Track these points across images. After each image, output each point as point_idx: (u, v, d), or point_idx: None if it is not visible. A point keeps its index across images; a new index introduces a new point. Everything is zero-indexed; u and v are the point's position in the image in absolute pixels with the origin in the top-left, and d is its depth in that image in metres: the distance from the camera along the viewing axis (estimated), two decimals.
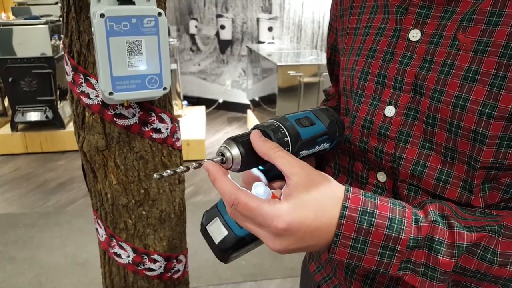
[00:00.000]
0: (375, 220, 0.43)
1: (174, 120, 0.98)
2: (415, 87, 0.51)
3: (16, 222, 2.67)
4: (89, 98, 0.87)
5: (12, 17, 4.01)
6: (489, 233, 0.44)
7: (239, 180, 0.57)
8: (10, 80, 3.43)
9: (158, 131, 0.94)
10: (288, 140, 0.48)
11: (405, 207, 0.45)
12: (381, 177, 0.57)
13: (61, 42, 1.22)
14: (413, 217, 0.44)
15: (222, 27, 4.70)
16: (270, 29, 4.50)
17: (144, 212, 0.99)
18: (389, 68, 0.54)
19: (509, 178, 0.48)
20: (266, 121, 0.50)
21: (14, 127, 3.65)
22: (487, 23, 0.45)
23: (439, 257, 0.43)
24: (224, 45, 4.79)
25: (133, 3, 0.78)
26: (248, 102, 4.40)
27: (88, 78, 0.86)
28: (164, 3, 0.88)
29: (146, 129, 0.92)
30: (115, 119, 0.89)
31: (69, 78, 0.90)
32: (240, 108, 4.85)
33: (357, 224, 0.43)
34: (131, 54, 0.78)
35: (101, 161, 0.93)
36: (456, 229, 0.44)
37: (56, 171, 3.43)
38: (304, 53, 3.90)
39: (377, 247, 0.43)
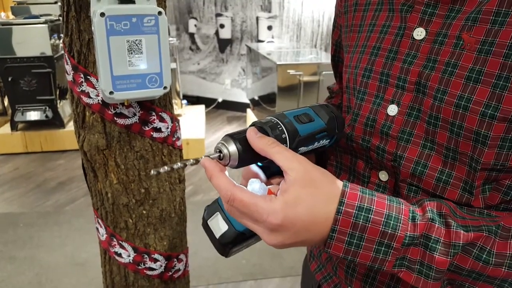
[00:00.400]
0: (372, 216, 0.43)
1: (175, 119, 0.98)
2: (418, 86, 0.51)
3: (15, 221, 2.67)
4: (90, 97, 0.87)
5: (11, 16, 4.01)
6: (486, 233, 0.44)
7: (239, 178, 0.57)
8: (9, 79, 3.43)
9: (158, 130, 0.94)
10: (286, 137, 0.48)
11: (402, 204, 0.45)
12: (383, 176, 0.57)
13: (61, 41, 1.22)
14: (410, 214, 0.44)
15: (222, 26, 4.70)
16: (269, 28, 4.50)
17: (144, 212, 0.99)
18: (393, 67, 0.54)
19: (510, 180, 0.48)
20: (264, 118, 0.50)
21: (14, 127, 3.65)
22: (493, 23, 0.45)
23: (434, 255, 0.43)
24: (224, 44, 4.78)
25: (133, 2, 0.77)
26: (248, 101, 4.39)
27: (89, 77, 0.86)
28: (164, 2, 0.88)
29: (147, 128, 0.92)
30: (115, 118, 0.88)
31: (69, 78, 0.90)
32: (239, 107, 4.85)
33: (353, 219, 0.43)
34: (132, 53, 0.78)
35: (101, 161, 0.93)
36: (453, 228, 0.44)
37: (56, 170, 3.43)
38: (303, 52, 3.90)
39: (372, 243, 0.43)
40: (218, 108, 4.99)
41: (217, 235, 0.54)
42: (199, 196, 2.99)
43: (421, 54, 0.51)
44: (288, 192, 0.42)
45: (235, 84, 4.90)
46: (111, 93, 0.78)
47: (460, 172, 0.50)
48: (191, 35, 4.89)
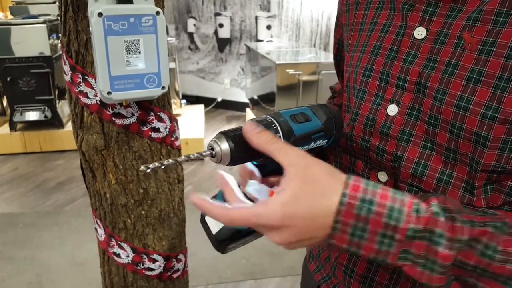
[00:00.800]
0: (374, 208, 0.42)
1: (173, 119, 0.98)
2: (418, 86, 0.51)
3: (15, 221, 2.67)
4: (88, 97, 0.87)
5: (10, 16, 4.01)
6: (491, 229, 0.44)
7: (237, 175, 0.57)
8: (8, 79, 3.42)
9: (157, 130, 0.94)
10: (280, 136, 0.48)
11: (407, 196, 0.44)
12: (382, 177, 0.57)
13: (59, 41, 1.21)
14: (414, 206, 0.43)
15: (221, 25, 4.70)
16: (268, 27, 4.50)
17: (143, 212, 0.99)
18: (393, 66, 0.54)
19: None
20: (260, 117, 0.50)
21: (12, 127, 3.65)
22: (494, 23, 0.44)
23: (438, 249, 0.43)
24: (223, 44, 4.78)
25: (131, 2, 0.77)
26: (247, 101, 4.39)
27: (87, 77, 0.86)
28: (162, 2, 0.88)
29: (145, 128, 0.92)
30: (113, 118, 0.88)
31: (67, 78, 0.90)
32: (239, 106, 4.85)
33: (356, 211, 0.42)
34: (129, 53, 0.77)
35: (99, 161, 0.93)
36: (458, 223, 0.43)
37: (55, 170, 3.42)
38: (302, 51, 3.89)
39: (376, 235, 0.43)
40: (217, 107, 4.99)
41: (214, 232, 0.55)
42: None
43: (422, 54, 0.51)
44: (285, 191, 0.42)
45: (234, 83, 4.90)
46: (109, 93, 0.78)
47: (461, 173, 0.49)
48: (190, 35, 4.88)
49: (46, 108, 3.61)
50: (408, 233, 0.43)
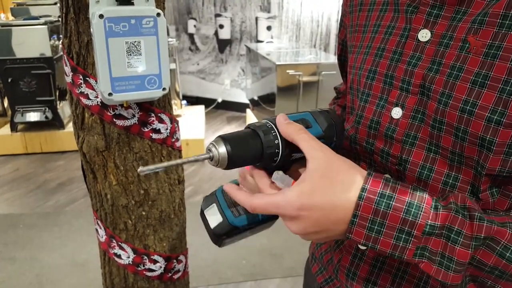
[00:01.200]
0: (393, 203, 0.43)
1: (174, 120, 0.98)
2: (423, 89, 0.50)
3: (16, 222, 2.67)
4: (89, 99, 0.87)
5: (11, 17, 4.01)
6: (510, 230, 0.43)
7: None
8: (9, 80, 3.42)
9: (157, 131, 0.94)
10: (278, 143, 0.48)
11: (426, 193, 0.45)
12: None
13: (60, 43, 1.22)
14: (433, 203, 0.44)
15: (221, 26, 4.70)
16: (269, 28, 4.50)
17: (144, 213, 1.00)
18: (397, 69, 0.53)
19: None
20: (260, 121, 0.50)
21: (13, 128, 3.65)
22: (500, 26, 0.44)
23: (456, 247, 0.43)
24: (223, 45, 4.78)
25: (132, 4, 0.77)
26: (247, 102, 4.39)
27: (88, 79, 0.86)
28: (163, 3, 0.88)
29: (146, 129, 0.92)
30: (114, 119, 0.89)
31: (68, 79, 0.90)
32: (239, 107, 4.85)
33: (374, 206, 0.43)
34: (130, 54, 0.78)
35: (100, 162, 0.94)
36: (476, 221, 0.43)
37: (56, 171, 3.43)
38: (303, 52, 3.90)
39: (393, 230, 0.43)
40: (217, 108, 4.99)
41: (212, 226, 0.56)
42: (199, 197, 2.99)
43: (426, 57, 0.50)
44: (305, 182, 0.44)
45: (235, 84, 4.90)
46: (110, 94, 0.78)
47: (467, 175, 0.49)
48: (191, 36, 4.89)
49: (47, 109, 3.61)
50: (426, 229, 0.43)
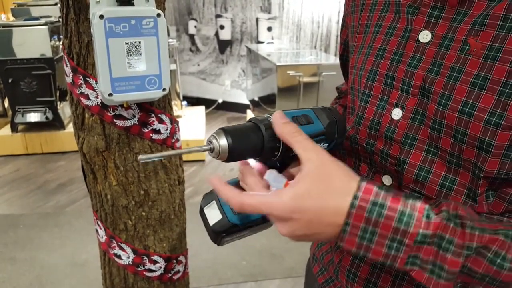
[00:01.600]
0: (385, 211, 0.42)
1: (174, 121, 0.98)
2: (423, 91, 0.50)
3: (16, 223, 2.67)
4: (89, 99, 0.87)
5: (11, 18, 4.01)
6: (502, 237, 0.43)
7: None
8: (10, 81, 3.43)
9: (157, 132, 0.94)
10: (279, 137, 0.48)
11: (418, 201, 0.44)
12: (387, 180, 0.57)
13: (61, 43, 1.22)
14: (425, 212, 0.43)
15: (221, 27, 4.70)
16: (269, 29, 4.50)
17: (144, 213, 1.00)
18: (398, 70, 0.53)
19: None
20: (262, 116, 0.50)
21: (14, 128, 3.65)
22: (500, 28, 0.44)
23: (447, 256, 0.42)
24: (224, 45, 4.79)
25: (132, 4, 0.78)
26: (248, 102, 4.40)
27: (88, 79, 0.86)
28: (163, 4, 0.88)
29: (146, 130, 0.92)
30: (114, 120, 0.89)
31: (68, 80, 0.90)
32: (239, 108, 4.85)
33: (366, 214, 0.42)
34: (130, 55, 0.78)
35: (100, 162, 0.94)
36: (468, 230, 0.43)
37: (56, 171, 3.43)
38: (303, 53, 3.90)
39: (385, 239, 0.43)
40: (218, 109, 4.99)
41: (211, 223, 0.55)
42: (199, 197, 2.98)
43: (426, 58, 0.50)
44: (299, 184, 0.43)
45: (235, 85, 4.90)
46: (110, 95, 0.78)
47: (464, 179, 0.49)
48: (191, 36, 4.89)
49: (47, 109, 3.61)
50: (417, 238, 0.43)
